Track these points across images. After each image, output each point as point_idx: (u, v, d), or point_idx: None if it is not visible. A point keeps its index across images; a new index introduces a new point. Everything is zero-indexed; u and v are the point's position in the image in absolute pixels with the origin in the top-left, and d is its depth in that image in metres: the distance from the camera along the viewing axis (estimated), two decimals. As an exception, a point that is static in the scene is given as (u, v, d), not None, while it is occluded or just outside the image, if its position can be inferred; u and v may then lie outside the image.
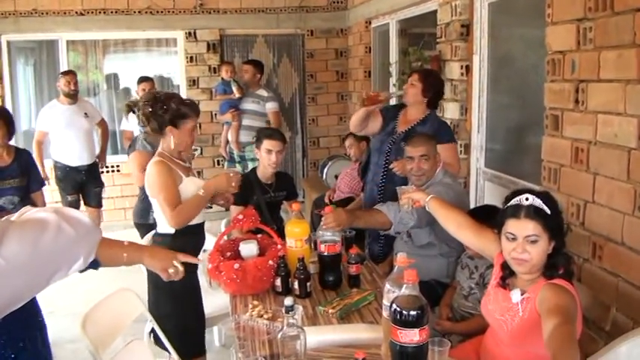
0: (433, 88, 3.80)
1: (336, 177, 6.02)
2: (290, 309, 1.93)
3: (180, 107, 2.99)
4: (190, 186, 3.01)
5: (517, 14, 4.11)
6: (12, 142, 4.14)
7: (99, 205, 6.12)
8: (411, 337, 1.75)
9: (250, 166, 6.44)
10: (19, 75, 7.24)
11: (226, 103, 6.43)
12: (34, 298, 1.67)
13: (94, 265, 1.67)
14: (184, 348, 2.92)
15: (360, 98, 3.84)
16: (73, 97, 5.79)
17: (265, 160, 3.82)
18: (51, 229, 1.22)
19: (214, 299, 3.52)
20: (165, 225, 3.00)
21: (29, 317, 1.65)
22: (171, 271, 1.97)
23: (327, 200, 5.48)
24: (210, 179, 3.14)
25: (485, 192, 4.41)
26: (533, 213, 2.11)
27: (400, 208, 2.90)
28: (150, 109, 2.99)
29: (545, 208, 2.09)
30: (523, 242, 2.10)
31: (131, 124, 5.73)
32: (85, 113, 5.90)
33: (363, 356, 1.75)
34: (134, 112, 4.74)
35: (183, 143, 3.04)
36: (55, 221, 1.23)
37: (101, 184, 6.12)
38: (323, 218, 2.89)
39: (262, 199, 3.83)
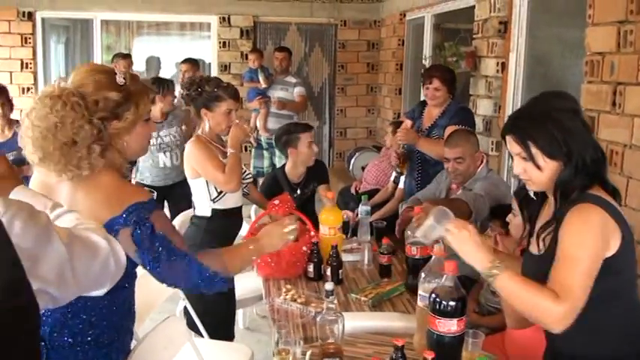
0: (454, 81, 3.94)
1: (363, 168, 6.06)
2: (330, 293, 1.99)
3: (215, 90, 3.05)
4: None
5: (556, 13, 4.12)
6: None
7: None
8: (449, 326, 1.79)
9: (278, 153, 6.49)
10: (51, 53, 7.34)
11: (253, 90, 6.47)
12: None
13: (224, 285, 1.82)
14: (214, 331, 2.99)
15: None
16: None
17: (307, 154, 3.69)
18: (100, 259, 1.29)
19: (240, 282, 3.57)
20: (202, 207, 3.08)
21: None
22: (291, 237, 2.06)
23: (353, 191, 5.53)
24: (228, 137, 3.14)
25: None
26: (517, 190, 2.29)
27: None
28: (186, 93, 3.09)
29: None
30: (510, 215, 2.48)
31: None
32: None
33: (402, 343, 1.79)
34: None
35: (219, 126, 3.08)
36: (105, 253, 1.30)
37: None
38: (414, 219, 2.55)
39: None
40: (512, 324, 2.20)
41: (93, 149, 1.61)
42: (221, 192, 3.04)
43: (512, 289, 1.70)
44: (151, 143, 4.57)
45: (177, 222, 3.83)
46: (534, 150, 1.73)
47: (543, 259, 1.77)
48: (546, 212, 1.86)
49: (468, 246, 1.75)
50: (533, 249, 1.86)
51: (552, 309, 1.62)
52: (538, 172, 1.75)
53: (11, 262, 0.96)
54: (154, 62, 7.58)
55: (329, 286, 2.02)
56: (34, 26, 6.97)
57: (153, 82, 4.86)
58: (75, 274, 1.15)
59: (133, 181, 4.62)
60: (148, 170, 4.66)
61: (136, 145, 1.77)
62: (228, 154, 3.03)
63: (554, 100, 1.79)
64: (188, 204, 3.64)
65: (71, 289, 1.16)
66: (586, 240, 1.65)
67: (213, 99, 3.04)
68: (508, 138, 1.80)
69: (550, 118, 1.73)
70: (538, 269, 1.79)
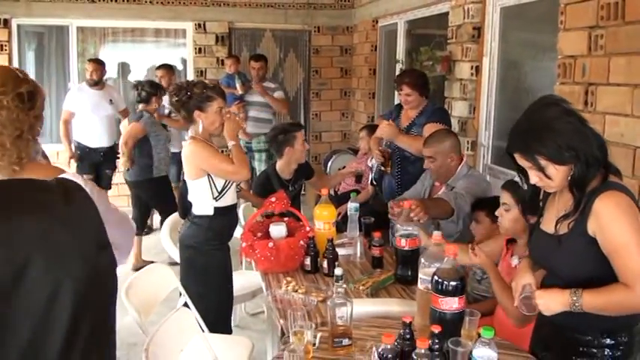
0: (425, 85, 4.07)
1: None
2: (340, 278, 2.14)
3: (204, 91, 3.16)
4: None
5: (528, 19, 4.32)
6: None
7: (108, 187, 6.31)
8: (451, 304, 1.96)
9: (257, 157, 6.63)
10: (28, 60, 7.33)
11: (230, 95, 6.57)
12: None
13: None
14: (213, 326, 3.08)
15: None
16: (96, 84, 6.07)
17: (302, 152, 3.97)
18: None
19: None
20: (204, 206, 3.18)
21: None
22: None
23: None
24: (225, 132, 3.24)
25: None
26: (509, 185, 2.66)
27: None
28: (176, 99, 3.17)
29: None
30: (501, 209, 2.67)
31: None
32: (111, 100, 6.18)
33: (410, 320, 1.95)
34: (137, 90, 5.13)
35: (213, 125, 3.20)
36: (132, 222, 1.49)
37: (114, 167, 6.29)
38: (407, 211, 2.85)
39: None
40: (517, 323, 2.33)
41: (29, 139, 1.71)
42: (223, 190, 3.15)
43: (598, 305, 1.82)
44: (167, 134, 5.17)
45: (170, 223, 3.94)
46: (544, 162, 1.86)
47: (559, 239, 1.93)
48: (561, 198, 1.99)
49: (551, 301, 1.87)
50: (547, 228, 2.00)
51: (632, 298, 1.77)
52: (552, 178, 1.89)
53: (98, 220, 1.14)
54: (126, 68, 7.64)
55: (338, 271, 2.18)
56: (9, 33, 6.97)
57: (150, 86, 5.12)
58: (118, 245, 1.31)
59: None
60: (163, 161, 5.16)
61: (39, 132, 1.83)
62: (230, 146, 3.18)
63: (547, 110, 1.92)
64: None
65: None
66: (626, 225, 1.79)
67: (204, 99, 3.15)
68: (516, 155, 1.94)
69: (549, 129, 1.85)
70: (552, 247, 1.95)
